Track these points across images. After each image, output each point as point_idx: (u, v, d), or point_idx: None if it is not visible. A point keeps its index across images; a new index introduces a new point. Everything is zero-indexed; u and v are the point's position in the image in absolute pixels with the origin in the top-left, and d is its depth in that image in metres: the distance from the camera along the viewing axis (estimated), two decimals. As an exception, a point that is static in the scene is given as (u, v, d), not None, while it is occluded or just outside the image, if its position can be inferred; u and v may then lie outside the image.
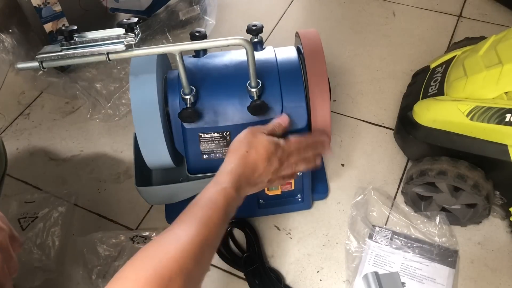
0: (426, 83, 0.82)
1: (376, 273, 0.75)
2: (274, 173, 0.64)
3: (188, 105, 0.67)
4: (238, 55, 0.73)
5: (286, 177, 0.67)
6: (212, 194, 0.57)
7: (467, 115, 0.70)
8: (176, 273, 0.46)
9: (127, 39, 0.59)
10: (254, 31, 0.72)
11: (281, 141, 0.64)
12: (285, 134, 0.68)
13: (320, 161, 0.70)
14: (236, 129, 0.69)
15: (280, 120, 0.67)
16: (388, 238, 0.79)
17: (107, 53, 0.59)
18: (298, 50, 0.75)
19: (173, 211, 0.84)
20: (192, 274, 0.48)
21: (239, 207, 0.81)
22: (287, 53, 0.74)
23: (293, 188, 0.78)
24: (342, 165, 0.91)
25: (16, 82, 1.14)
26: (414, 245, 0.78)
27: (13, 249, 0.55)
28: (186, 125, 0.69)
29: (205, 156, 0.72)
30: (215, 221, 0.54)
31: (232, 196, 0.58)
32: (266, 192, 0.78)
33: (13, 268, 0.54)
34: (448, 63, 0.81)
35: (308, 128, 0.71)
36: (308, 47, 0.71)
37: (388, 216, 0.83)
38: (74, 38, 0.60)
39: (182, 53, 0.62)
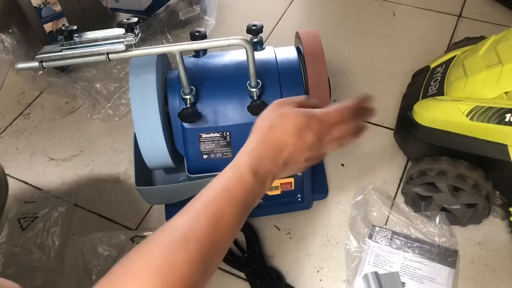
0: (426, 83, 0.82)
1: (376, 273, 0.75)
2: (311, 150, 0.54)
3: (188, 105, 0.67)
4: (238, 55, 0.73)
5: (332, 150, 0.57)
6: (228, 182, 0.49)
7: (467, 115, 0.70)
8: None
9: (127, 39, 0.59)
10: (254, 31, 0.72)
11: (318, 112, 0.54)
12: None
13: (365, 129, 0.59)
14: (236, 129, 0.69)
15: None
16: (388, 238, 0.79)
17: (107, 53, 0.59)
18: (298, 50, 0.75)
19: (173, 211, 0.84)
20: (199, 285, 0.43)
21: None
22: (287, 53, 0.74)
23: (293, 188, 0.78)
24: (342, 165, 0.91)
25: (16, 82, 1.14)
26: (414, 245, 0.78)
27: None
28: (186, 125, 0.69)
29: (205, 156, 0.72)
30: (230, 219, 0.47)
31: (251, 183, 0.49)
32: (266, 192, 0.78)
33: None
34: (448, 63, 0.81)
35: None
36: (308, 47, 0.71)
37: (388, 216, 0.83)
38: (74, 38, 0.60)
39: (182, 53, 0.62)
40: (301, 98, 0.57)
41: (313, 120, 0.53)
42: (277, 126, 0.53)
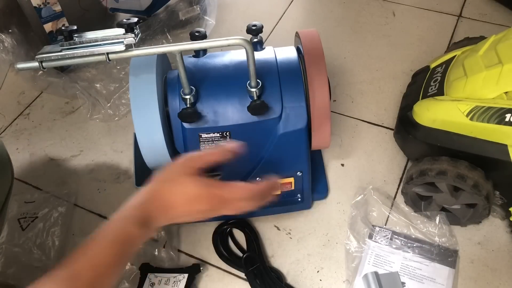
0: (426, 83, 0.82)
1: (376, 273, 0.75)
2: (200, 214, 0.56)
3: (188, 105, 0.67)
4: (238, 55, 0.73)
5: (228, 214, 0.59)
6: (116, 236, 0.51)
7: (467, 115, 0.70)
8: None
9: (126, 39, 0.59)
10: (254, 31, 0.72)
11: (214, 186, 0.56)
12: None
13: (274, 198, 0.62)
14: (236, 129, 0.69)
15: (228, 146, 0.60)
16: (388, 238, 0.79)
17: (107, 53, 0.59)
18: (298, 50, 0.75)
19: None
20: None
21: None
22: (287, 53, 0.74)
23: (293, 188, 0.78)
24: (342, 165, 0.91)
25: (16, 82, 1.14)
26: (414, 245, 0.78)
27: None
28: (186, 125, 0.69)
29: (205, 156, 0.72)
30: (114, 272, 0.50)
31: (138, 236, 0.52)
32: (266, 192, 0.78)
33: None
34: (448, 63, 0.81)
35: (308, 128, 0.71)
36: (308, 47, 0.71)
37: (388, 216, 0.83)
38: (74, 38, 0.60)
39: (182, 53, 0.62)
40: (212, 157, 0.58)
41: (205, 194, 0.55)
42: (172, 188, 0.55)
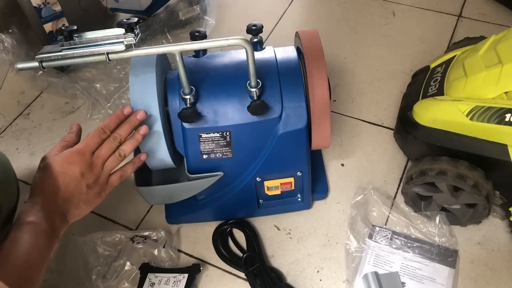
0: (426, 83, 0.82)
1: (376, 273, 0.75)
2: (87, 178, 0.61)
3: (188, 105, 0.67)
4: (238, 55, 0.73)
5: (119, 171, 0.65)
6: (35, 244, 0.55)
7: (467, 115, 0.70)
8: None
9: (126, 39, 0.59)
10: (254, 31, 0.72)
11: (75, 146, 0.62)
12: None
13: (141, 138, 0.65)
14: (236, 129, 0.69)
15: (74, 126, 0.66)
16: (388, 238, 0.79)
17: (107, 53, 0.59)
18: (298, 50, 0.75)
19: (173, 211, 0.84)
20: None
21: (238, 207, 0.81)
22: (287, 53, 0.74)
23: (293, 188, 0.78)
24: (342, 165, 0.91)
25: (16, 82, 1.14)
26: (414, 245, 0.78)
27: None
28: (186, 125, 0.69)
29: (205, 156, 0.72)
30: (41, 273, 0.54)
31: (52, 233, 0.57)
32: (266, 192, 0.78)
33: None
34: (448, 63, 0.81)
35: (308, 128, 0.71)
36: (308, 47, 0.71)
37: (388, 216, 0.83)
38: (74, 38, 0.60)
39: (182, 53, 0.62)
40: (64, 142, 0.64)
41: (69, 156, 0.60)
42: (45, 176, 0.59)
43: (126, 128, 0.64)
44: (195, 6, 1.15)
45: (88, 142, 0.62)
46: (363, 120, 0.98)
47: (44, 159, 0.61)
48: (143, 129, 0.65)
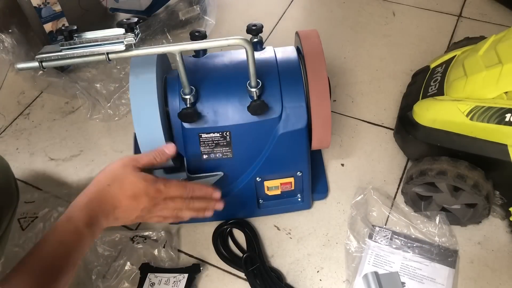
0: (426, 83, 0.82)
1: (376, 273, 0.75)
2: (143, 211, 0.60)
3: (188, 105, 0.67)
4: (238, 55, 0.73)
5: (166, 218, 0.63)
6: (64, 237, 0.54)
7: (467, 115, 0.70)
8: None
9: (126, 39, 0.59)
10: (254, 31, 0.72)
11: (159, 181, 0.61)
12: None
13: (211, 214, 0.66)
14: (236, 129, 0.69)
15: (165, 148, 0.64)
16: (388, 238, 0.79)
17: (107, 53, 0.59)
18: (298, 50, 0.75)
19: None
20: None
21: (238, 207, 0.81)
22: (287, 53, 0.74)
23: (293, 188, 0.78)
24: (342, 165, 0.91)
25: (16, 82, 1.14)
26: (414, 245, 0.78)
27: None
28: (186, 125, 0.69)
29: (205, 156, 0.72)
30: (66, 272, 0.53)
31: (85, 236, 0.55)
32: (266, 192, 0.78)
33: None
34: (448, 63, 0.81)
35: (308, 128, 0.71)
36: (308, 47, 0.71)
37: (388, 216, 0.83)
38: (74, 38, 0.60)
39: (182, 53, 0.62)
40: (151, 156, 0.63)
41: (151, 189, 0.59)
42: (116, 186, 0.58)
43: (200, 197, 0.65)
44: (195, 6, 1.15)
45: (170, 186, 0.61)
46: (363, 120, 0.98)
47: (127, 164, 0.60)
48: (209, 214, 0.66)
